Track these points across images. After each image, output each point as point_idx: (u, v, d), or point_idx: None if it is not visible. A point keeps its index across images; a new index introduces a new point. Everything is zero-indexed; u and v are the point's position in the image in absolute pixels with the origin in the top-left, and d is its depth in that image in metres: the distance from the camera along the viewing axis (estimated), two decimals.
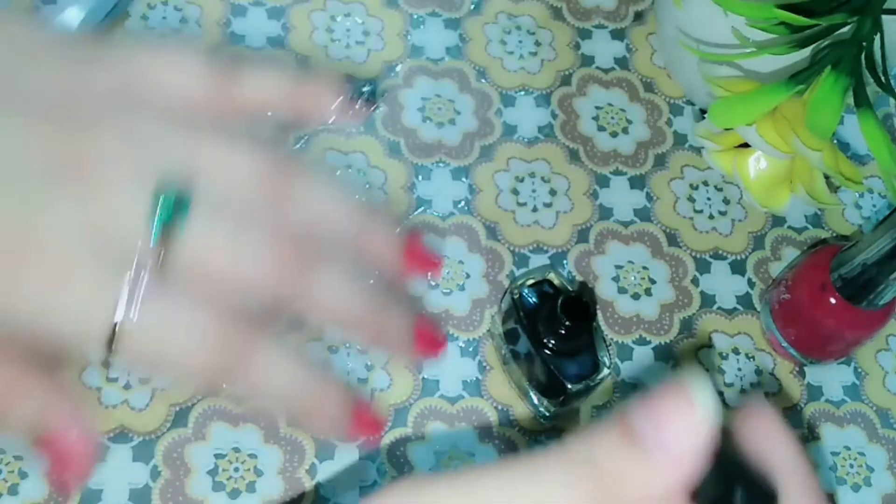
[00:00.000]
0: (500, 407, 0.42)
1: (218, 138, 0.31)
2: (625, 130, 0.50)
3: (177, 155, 0.29)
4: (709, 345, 0.45)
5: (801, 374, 0.45)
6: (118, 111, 0.30)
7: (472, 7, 0.52)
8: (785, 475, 0.22)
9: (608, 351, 0.40)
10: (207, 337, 0.28)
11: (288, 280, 0.29)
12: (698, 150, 0.50)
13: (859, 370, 0.46)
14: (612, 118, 0.50)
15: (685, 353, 0.45)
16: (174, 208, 0.28)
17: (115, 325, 0.27)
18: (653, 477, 0.21)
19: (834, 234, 0.49)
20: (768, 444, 0.23)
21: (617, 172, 0.48)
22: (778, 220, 0.49)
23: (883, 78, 0.41)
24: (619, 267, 0.46)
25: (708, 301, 0.46)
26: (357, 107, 0.34)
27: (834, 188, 0.49)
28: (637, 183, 0.48)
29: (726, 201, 0.49)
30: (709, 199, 0.49)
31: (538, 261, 0.45)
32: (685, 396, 0.21)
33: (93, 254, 0.28)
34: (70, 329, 0.28)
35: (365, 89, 0.33)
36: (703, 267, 0.47)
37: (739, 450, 0.23)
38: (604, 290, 0.45)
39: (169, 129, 0.30)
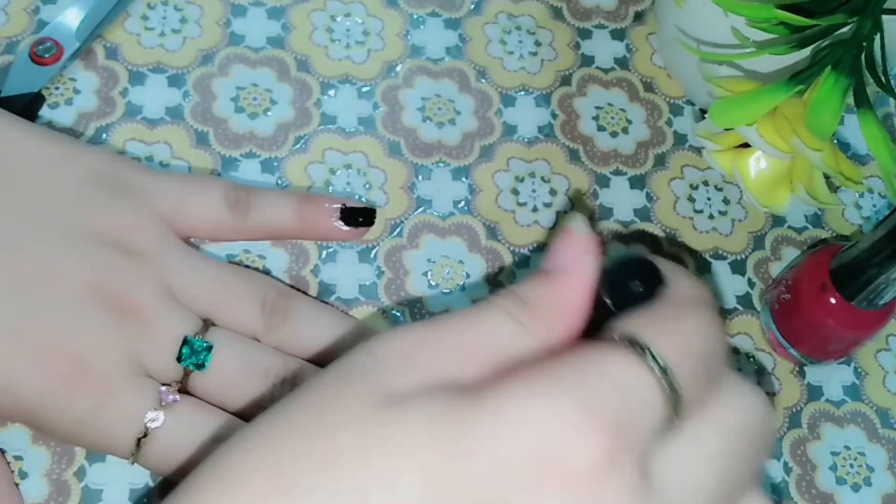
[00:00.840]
0: None
1: (232, 280, 0.39)
2: (625, 130, 0.50)
3: (201, 298, 0.38)
4: None
5: (801, 374, 0.45)
6: (159, 249, 0.38)
7: (472, 7, 0.52)
8: (661, 262, 0.29)
9: None
10: (217, 432, 0.35)
11: (280, 396, 0.35)
12: (698, 150, 0.50)
13: (859, 370, 0.46)
14: (612, 118, 0.50)
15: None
16: (200, 351, 0.37)
17: (146, 427, 0.35)
18: (565, 293, 0.27)
19: (834, 234, 0.49)
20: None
21: (617, 172, 0.48)
22: (778, 220, 0.49)
23: (883, 78, 0.41)
24: None
25: None
26: (354, 229, 0.43)
27: (834, 188, 0.49)
28: (637, 183, 0.48)
29: (726, 201, 0.49)
30: (709, 199, 0.49)
31: (538, 261, 0.45)
32: (567, 232, 0.29)
33: (132, 376, 0.36)
34: (108, 432, 0.35)
35: (358, 219, 0.43)
36: (703, 267, 0.47)
37: (621, 259, 0.29)
38: None
39: (195, 273, 0.39)
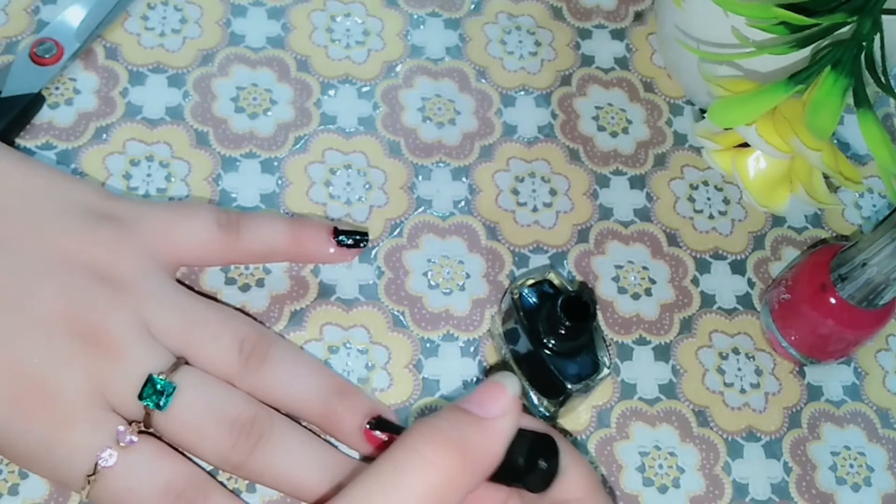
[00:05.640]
0: None
1: (211, 318, 0.38)
2: (625, 130, 0.50)
3: (177, 334, 0.37)
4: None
5: (801, 374, 0.45)
6: (137, 280, 0.37)
7: (472, 7, 0.52)
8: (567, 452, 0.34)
9: (608, 351, 0.40)
10: (171, 482, 0.35)
11: (242, 449, 0.36)
12: (698, 150, 0.50)
13: (859, 370, 0.46)
14: (612, 118, 0.50)
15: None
16: (162, 391, 0.35)
17: (97, 464, 0.34)
18: (492, 438, 0.31)
19: (834, 234, 0.49)
20: None
21: (617, 172, 0.48)
22: (778, 220, 0.49)
23: (883, 78, 0.41)
24: (619, 267, 0.46)
25: (708, 301, 0.46)
26: (346, 251, 0.42)
27: (834, 188, 0.49)
28: (637, 183, 0.48)
29: (726, 201, 0.49)
30: (709, 199, 0.49)
31: (538, 261, 0.45)
32: (498, 385, 0.32)
33: (92, 408, 0.35)
34: (61, 463, 0.34)
35: (349, 241, 0.42)
36: (703, 267, 0.47)
37: (534, 434, 0.33)
38: (604, 290, 0.45)
39: (173, 308, 0.38)
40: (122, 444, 0.35)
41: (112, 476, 0.34)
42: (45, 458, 0.35)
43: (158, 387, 0.35)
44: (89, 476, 0.34)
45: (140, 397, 0.35)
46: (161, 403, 0.35)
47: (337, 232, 0.42)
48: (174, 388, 0.35)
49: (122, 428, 0.35)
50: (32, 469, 0.36)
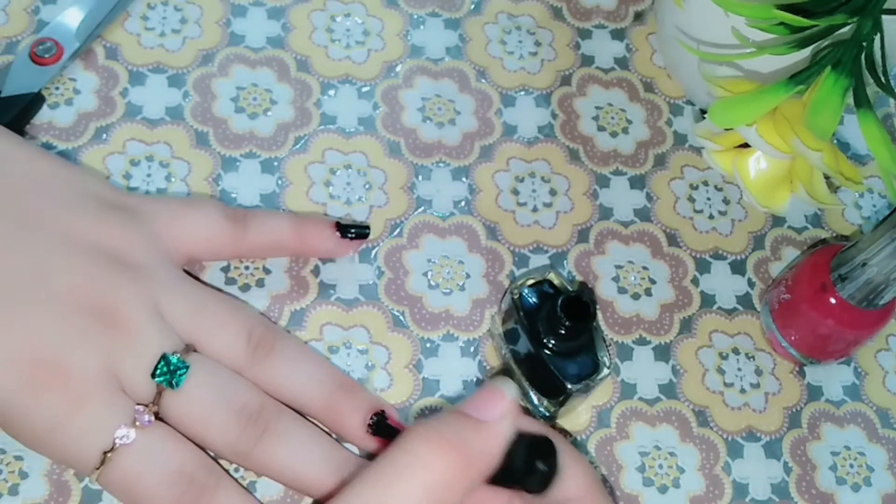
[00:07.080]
0: None
1: (219, 308, 0.38)
2: (625, 130, 0.50)
3: (186, 322, 0.37)
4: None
5: (801, 374, 0.45)
6: (151, 267, 0.38)
7: (472, 7, 0.52)
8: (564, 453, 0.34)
9: (608, 351, 0.40)
10: (183, 466, 0.35)
11: (248, 438, 0.36)
12: (698, 150, 0.50)
13: (859, 370, 0.46)
14: (612, 118, 0.50)
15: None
16: (175, 369, 0.35)
17: (114, 442, 0.34)
18: (490, 441, 0.31)
19: (834, 234, 0.49)
20: None
21: (617, 172, 0.48)
22: (778, 220, 0.49)
23: (883, 78, 0.41)
24: (619, 267, 0.46)
25: (708, 301, 0.46)
26: (348, 242, 0.42)
27: (834, 188, 0.49)
28: (637, 183, 0.48)
29: (726, 201, 0.49)
30: (709, 199, 0.49)
31: (538, 261, 0.45)
32: (496, 390, 0.33)
33: (106, 387, 0.35)
34: (74, 441, 0.34)
35: (352, 233, 0.42)
36: (703, 267, 0.47)
37: (532, 436, 0.33)
38: (604, 290, 0.45)
39: (183, 297, 0.38)
40: (138, 423, 0.35)
41: (127, 455, 0.34)
42: (56, 437, 0.35)
43: (172, 365, 0.36)
44: (107, 452, 0.34)
45: (153, 375, 0.35)
46: (174, 382, 0.35)
47: (339, 226, 0.42)
48: (187, 367, 0.36)
49: (140, 407, 0.35)
50: (40, 449, 0.36)
